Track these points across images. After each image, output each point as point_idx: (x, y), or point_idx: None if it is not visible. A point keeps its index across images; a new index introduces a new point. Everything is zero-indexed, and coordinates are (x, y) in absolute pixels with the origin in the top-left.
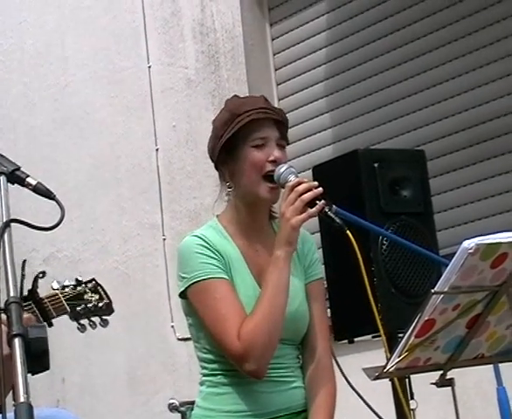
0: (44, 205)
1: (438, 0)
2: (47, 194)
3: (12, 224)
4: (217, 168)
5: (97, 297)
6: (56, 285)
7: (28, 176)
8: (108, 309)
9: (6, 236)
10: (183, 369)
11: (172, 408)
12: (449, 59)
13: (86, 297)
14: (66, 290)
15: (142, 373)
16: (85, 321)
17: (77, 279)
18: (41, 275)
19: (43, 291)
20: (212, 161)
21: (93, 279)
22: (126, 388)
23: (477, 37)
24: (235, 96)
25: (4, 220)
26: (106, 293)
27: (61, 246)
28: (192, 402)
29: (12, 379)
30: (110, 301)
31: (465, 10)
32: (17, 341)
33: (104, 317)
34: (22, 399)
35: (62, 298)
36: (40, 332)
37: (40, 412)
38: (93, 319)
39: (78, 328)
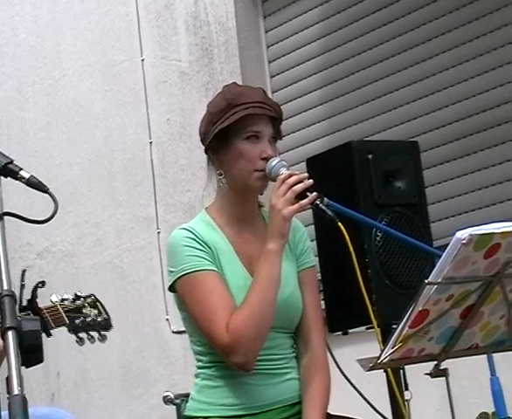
0: (38, 199)
1: None
2: (40, 187)
3: (6, 218)
4: (206, 152)
5: (96, 312)
6: (55, 298)
7: (21, 170)
8: (107, 325)
9: (0, 228)
10: (178, 362)
11: (167, 400)
12: (442, 51)
13: (84, 311)
14: (65, 302)
15: (137, 366)
16: (83, 335)
17: (76, 294)
18: (40, 285)
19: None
20: (202, 144)
21: (93, 295)
22: (121, 381)
23: (469, 28)
24: (234, 83)
25: None
26: (104, 309)
27: (55, 240)
28: (187, 395)
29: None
30: (109, 317)
31: (457, 2)
32: (10, 334)
33: (102, 332)
34: (16, 391)
35: (61, 310)
36: (34, 325)
37: (35, 411)
38: (91, 333)
39: (76, 341)
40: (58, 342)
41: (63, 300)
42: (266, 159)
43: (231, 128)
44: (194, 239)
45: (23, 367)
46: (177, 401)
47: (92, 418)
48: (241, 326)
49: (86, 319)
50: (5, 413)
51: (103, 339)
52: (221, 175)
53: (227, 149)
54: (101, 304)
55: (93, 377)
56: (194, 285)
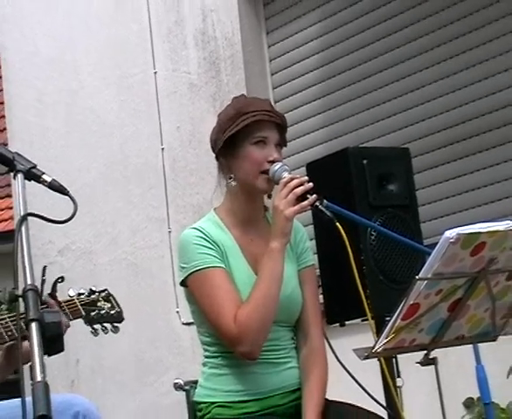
0: (59, 201)
1: (423, 8)
2: (61, 190)
3: (29, 218)
4: (217, 158)
5: (109, 305)
6: (72, 292)
7: (43, 174)
8: (119, 317)
9: (23, 228)
10: (187, 352)
11: (177, 387)
12: (431, 64)
13: (99, 304)
14: (82, 297)
15: (150, 355)
16: (97, 326)
17: (91, 289)
18: (60, 280)
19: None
20: (213, 151)
21: (106, 289)
22: (134, 369)
23: (456, 43)
24: (243, 95)
25: (22, 214)
26: (117, 302)
27: (75, 238)
28: (196, 382)
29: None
30: (121, 310)
31: (448, 17)
32: (33, 325)
33: (115, 324)
34: (39, 378)
35: (78, 304)
36: (55, 316)
37: (57, 397)
38: (105, 324)
39: (91, 332)
40: (77, 333)
41: (79, 294)
42: (272, 162)
43: (240, 134)
44: (204, 238)
45: (45, 356)
46: (187, 387)
47: (108, 403)
48: (247, 318)
49: (101, 312)
50: (29, 398)
51: (116, 330)
52: (230, 178)
53: (236, 153)
54: (114, 298)
55: (109, 365)
56: (204, 281)
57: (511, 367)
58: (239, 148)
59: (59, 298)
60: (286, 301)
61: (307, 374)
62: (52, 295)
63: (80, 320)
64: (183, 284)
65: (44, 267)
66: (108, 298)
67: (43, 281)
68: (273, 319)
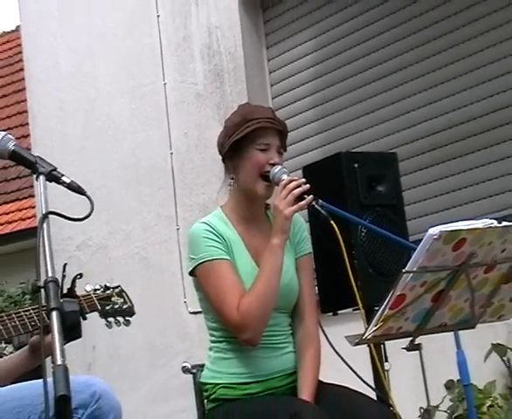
0: (77, 201)
1: (408, 26)
2: (79, 190)
3: (50, 216)
4: (223, 161)
5: (122, 300)
6: (89, 288)
7: (63, 176)
8: (131, 311)
9: (45, 225)
10: (194, 338)
11: (185, 370)
12: (417, 76)
13: (113, 299)
14: (97, 292)
15: (160, 341)
16: (111, 319)
17: (105, 285)
18: (79, 276)
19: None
20: (220, 154)
21: (119, 286)
22: (146, 354)
23: (439, 58)
24: (248, 103)
25: (43, 212)
26: (129, 298)
27: (91, 235)
28: (202, 365)
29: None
30: (132, 305)
31: (430, 34)
32: (54, 314)
33: (127, 317)
34: (59, 362)
35: (94, 298)
36: (73, 306)
37: (76, 378)
38: (118, 318)
39: (106, 325)
40: (93, 321)
41: (95, 290)
42: (273, 165)
43: (245, 139)
44: (211, 232)
45: (64, 342)
46: (194, 370)
47: (122, 386)
48: (249, 307)
49: (114, 307)
50: (50, 379)
51: (127, 323)
52: (233, 179)
53: (241, 156)
54: (126, 294)
55: (123, 351)
56: (211, 271)
57: (488, 351)
58: (244, 152)
59: (77, 293)
60: (285, 289)
61: (302, 355)
62: (71, 290)
63: (96, 314)
64: (191, 273)
65: (65, 264)
66: (121, 293)
67: (63, 277)
68: (273, 307)
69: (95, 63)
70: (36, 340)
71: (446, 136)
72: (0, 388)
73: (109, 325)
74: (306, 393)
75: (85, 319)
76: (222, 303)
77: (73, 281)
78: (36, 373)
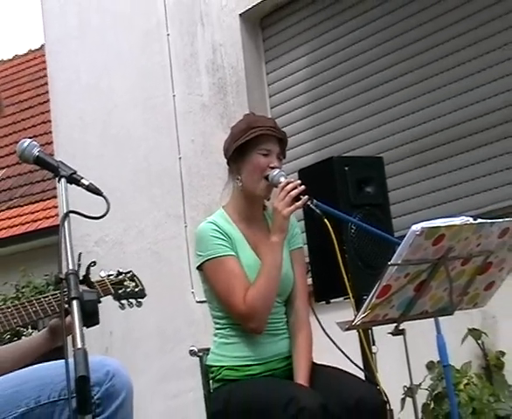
0: (94, 201)
1: (403, 38)
2: (97, 191)
3: (71, 215)
4: (228, 163)
5: (134, 284)
6: (103, 274)
7: (82, 178)
8: (142, 294)
9: (66, 223)
10: (200, 324)
11: (192, 353)
12: (402, 88)
13: (125, 283)
14: (111, 277)
15: (169, 327)
16: (124, 301)
17: (118, 270)
18: (92, 264)
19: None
20: (225, 157)
21: (131, 271)
22: (157, 339)
23: (425, 71)
24: (252, 113)
25: (64, 211)
26: (140, 282)
27: (108, 231)
28: (208, 349)
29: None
30: (143, 288)
31: (416, 49)
32: (74, 303)
33: (139, 299)
34: (79, 345)
35: (108, 283)
36: (92, 295)
37: (92, 359)
38: (130, 300)
39: (119, 306)
40: (110, 309)
41: (109, 276)
42: (273, 168)
43: (249, 144)
44: (217, 230)
45: (84, 327)
46: (200, 354)
47: (136, 367)
48: (254, 299)
49: (127, 290)
50: (71, 360)
51: (139, 304)
52: (237, 179)
53: (244, 159)
54: (138, 278)
55: (137, 336)
56: (218, 267)
57: (464, 335)
58: (247, 155)
59: (92, 280)
60: (282, 279)
61: (295, 338)
62: (86, 276)
63: (112, 300)
64: (199, 268)
65: (80, 254)
66: (133, 277)
67: (79, 265)
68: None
69: (112, 78)
70: (55, 322)
71: (428, 142)
72: (23, 368)
73: (122, 306)
74: (301, 377)
75: (99, 302)
76: (230, 296)
77: (88, 268)
78: (54, 354)
